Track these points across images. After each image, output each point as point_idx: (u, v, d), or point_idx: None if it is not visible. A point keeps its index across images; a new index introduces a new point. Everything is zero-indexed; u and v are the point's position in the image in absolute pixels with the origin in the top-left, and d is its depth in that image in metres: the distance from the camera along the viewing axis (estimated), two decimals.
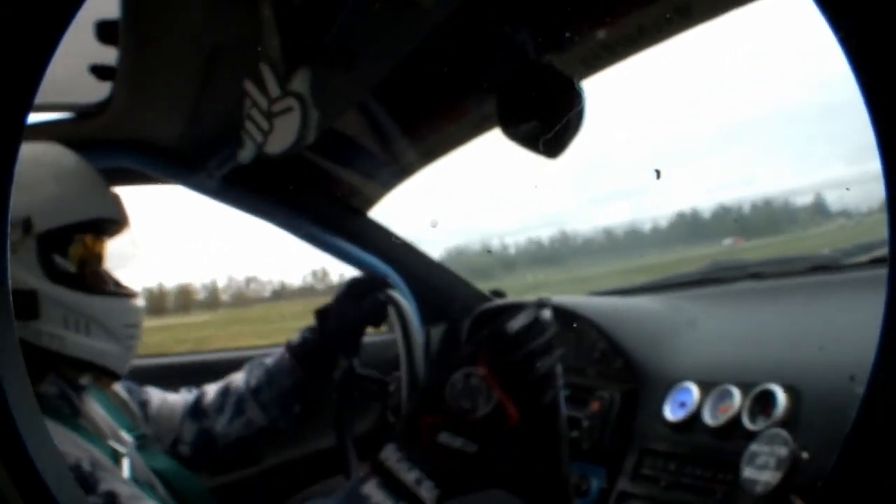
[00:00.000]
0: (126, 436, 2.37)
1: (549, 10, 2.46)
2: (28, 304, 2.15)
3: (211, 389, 2.85)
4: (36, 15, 0.98)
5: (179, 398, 2.83)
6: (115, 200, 2.37)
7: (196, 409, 2.79)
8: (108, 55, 2.49)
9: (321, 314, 2.83)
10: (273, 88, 2.38)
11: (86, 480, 1.96)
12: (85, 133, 2.95)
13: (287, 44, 2.34)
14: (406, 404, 2.48)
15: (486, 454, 1.89)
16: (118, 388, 2.59)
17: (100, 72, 2.65)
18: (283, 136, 2.44)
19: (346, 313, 2.79)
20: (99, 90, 2.79)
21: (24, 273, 2.15)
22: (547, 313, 2.90)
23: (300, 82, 2.35)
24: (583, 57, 2.60)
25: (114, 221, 2.35)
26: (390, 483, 1.88)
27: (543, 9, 2.45)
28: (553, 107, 2.44)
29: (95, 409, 2.34)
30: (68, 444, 2.03)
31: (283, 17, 2.32)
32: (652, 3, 2.38)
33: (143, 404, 2.70)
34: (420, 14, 2.31)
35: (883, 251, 2.72)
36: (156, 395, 2.77)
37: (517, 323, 2.05)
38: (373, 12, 2.28)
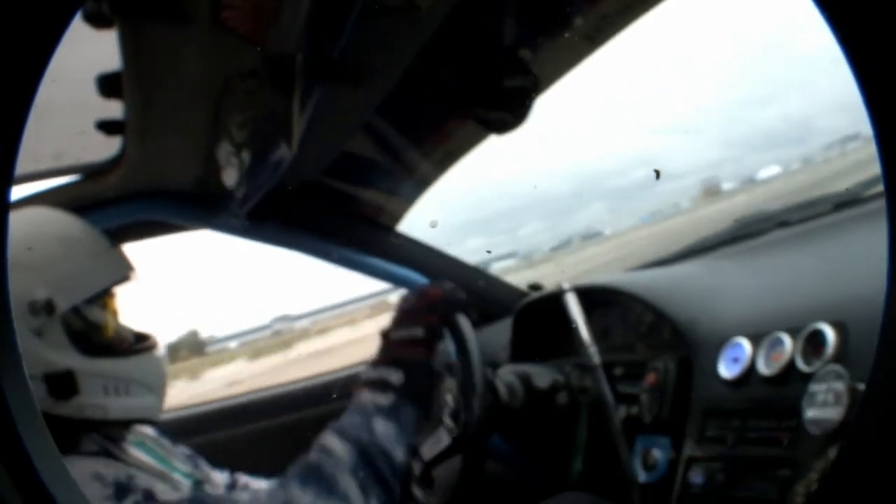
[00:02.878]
0: (179, 477, 2.37)
1: None
2: (67, 383, 2.15)
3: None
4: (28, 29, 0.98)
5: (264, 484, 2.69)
6: (123, 258, 2.39)
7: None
8: (114, 109, 2.51)
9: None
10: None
11: (122, 485, 2.00)
12: (99, 191, 2.97)
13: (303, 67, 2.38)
14: (471, 412, 2.51)
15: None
16: (155, 436, 2.57)
17: (108, 127, 2.67)
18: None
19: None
20: (108, 146, 2.81)
21: (55, 353, 2.14)
22: (571, 298, 2.94)
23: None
24: (586, 33, 2.62)
25: (124, 279, 2.38)
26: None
27: None
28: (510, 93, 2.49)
29: (141, 456, 2.34)
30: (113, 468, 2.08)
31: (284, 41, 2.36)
32: None
33: (190, 458, 2.64)
34: (419, 20, 2.33)
35: None
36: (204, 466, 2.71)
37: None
38: (374, 24, 2.31)
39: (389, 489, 2.27)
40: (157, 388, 2.36)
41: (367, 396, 2.35)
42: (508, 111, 2.87)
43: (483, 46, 2.70)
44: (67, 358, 2.16)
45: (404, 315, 2.52)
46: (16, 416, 1.04)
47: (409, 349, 2.44)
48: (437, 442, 2.61)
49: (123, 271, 2.37)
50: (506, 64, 2.72)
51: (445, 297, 2.59)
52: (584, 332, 3.02)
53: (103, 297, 2.31)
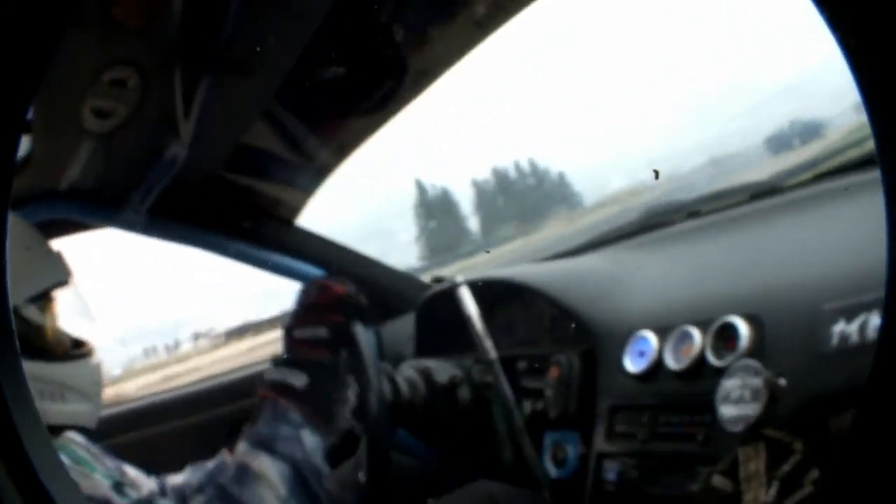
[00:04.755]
0: (102, 480, 2.29)
1: None
2: None
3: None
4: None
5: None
6: (63, 261, 2.34)
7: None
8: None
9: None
10: None
11: None
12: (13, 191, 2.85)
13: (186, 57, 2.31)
14: (369, 410, 2.49)
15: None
16: (83, 442, 2.52)
17: None
18: None
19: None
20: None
21: None
22: (465, 292, 2.92)
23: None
24: (476, 20, 2.60)
25: (63, 282, 2.30)
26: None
27: None
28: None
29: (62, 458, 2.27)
30: None
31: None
32: None
33: (121, 471, 2.60)
34: (306, 5, 2.30)
35: (827, 166, 2.72)
36: (129, 469, 2.68)
37: None
38: (258, 13, 2.26)
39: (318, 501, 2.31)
40: (93, 395, 2.33)
41: (283, 403, 2.35)
42: (377, 91, 2.85)
43: (364, 27, 2.65)
44: None
45: (306, 311, 2.51)
46: (16, 415, 1.06)
47: (312, 350, 2.43)
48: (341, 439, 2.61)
49: (64, 274, 2.33)
50: (380, 40, 2.68)
51: (347, 296, 2.55)
52: (478, 326, 3.00)
53: (43, 299, 2.25)
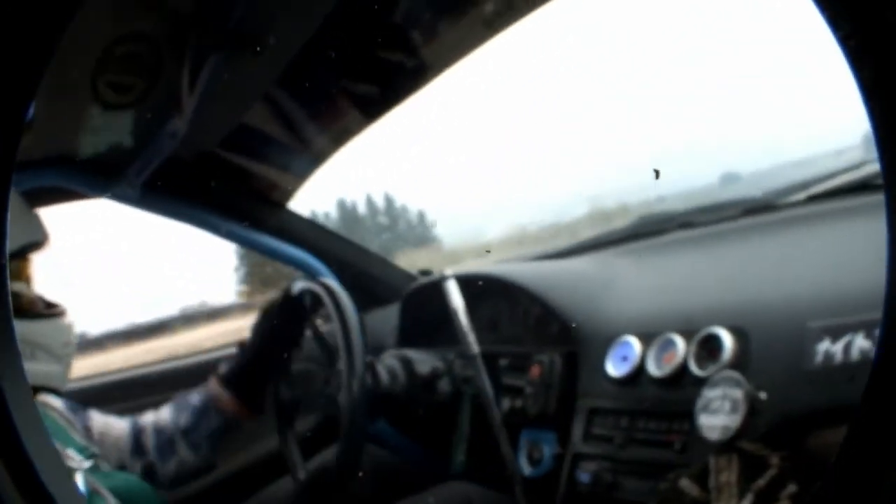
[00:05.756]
0: (75, 455, 2.30)
1: None
2: None
3: (148, 424, 2.79)
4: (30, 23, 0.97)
5: (121, 427, 2.75)
6: (40, 222, 2.33)
7: (137, 446, 2.74)
8: None
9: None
10: None
11: None
12: None
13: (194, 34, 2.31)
14: (349, 394, 2.50)
15: None
16: (62, 407, 2.52)
17: None
18: None
19: (276, 338, 2.90)
20: None
21: None
22: (452, 285, 2.94)
23: None
24: (485, 19, 2.60)
25: (39, 243, 2.30)
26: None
27: None
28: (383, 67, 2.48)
29: None
30: None
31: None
32: None
33: (87, 429, 2.62)
34: None
35: (821, 187, 2.73)
36: (98, 420, 2.69)
37: None
38: None
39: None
40: (63, 356, 2.33)
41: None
42: (376, 85, 2.85)
43: (375, 19, 2.66)
44: None
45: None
46: (16, 415, 1.04)
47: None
48: (315, 424, 2.64)
49: (40, 235, 2.33)
50: (386, 37, 2.69)
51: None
52: (463, 320, 2.99)
53: (18, 258, 2.27)
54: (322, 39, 2.55)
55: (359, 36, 2.65)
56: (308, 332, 2.91)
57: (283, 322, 2.88)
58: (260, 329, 2.92)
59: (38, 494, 1.04)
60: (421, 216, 5.98)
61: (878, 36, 0.82)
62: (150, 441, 2.73)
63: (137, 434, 2.75)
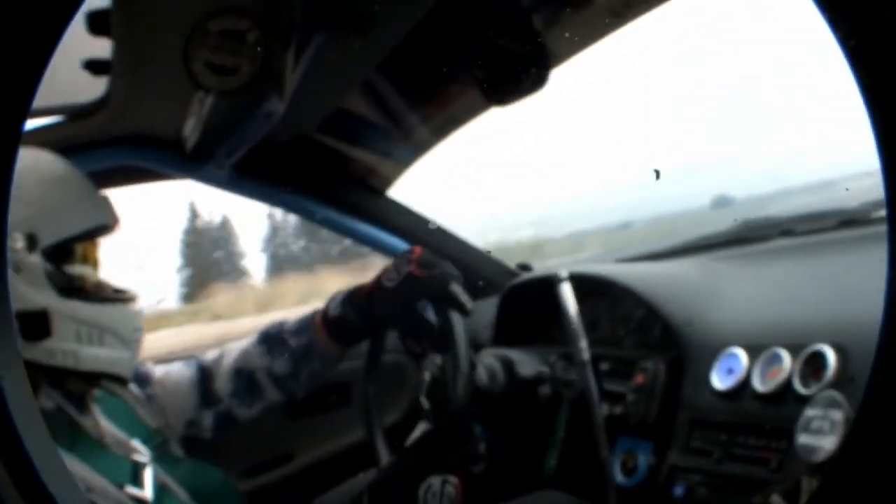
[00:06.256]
0: (141, 447, 2.29)
1: None
2: (39, 323, 2.08)
3: (221, 370, 2.68)
4: (33, 18, 0.99)
5: (183, 376, 2.67)
6: (107, 204, 2.32)
7: (207, 395, 2.65)
8: (102, 48, 2.39)
9: (367, 295, 2.63)
10: None
11: None
12: (83, 134, 2.89)
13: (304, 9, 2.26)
14: (452, 390, 2.40)
15: None
16: (137, 393, 2.49)
17: (95, 67, 2.56)
18: None
19: (402, 309, 2.56)
20: (94, 87, 2.71)
21: (32, 291, 2.08)
22: (566, 287, 2.82)
23: None
24: (612, 7, 2.53)
25: (107, 226, 2.28)
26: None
27: None
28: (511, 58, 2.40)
29: (102, 422, 2.26)
30: None
31: None
32: None
33: (151, 398, 2.58)
34: None
35: None
36: (157, 373, 2.66)
37: None
38: None
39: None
40: (132, 342, 2.29)
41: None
42: (506, 77, 2.77)
43: (496, 7, 2.59)
44: (43, 296, 2.09)
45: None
46: (16, 416, 1.05)
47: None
48: (413, 422, 2.56)
49: (108, 217, 2.30)
50: (512, 27, 2.61)
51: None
52: (577, 324, 2.87)
53: (86, 241, 2.25)
54: (433, 22, 2.49)
55: (477, 19, 2.57)
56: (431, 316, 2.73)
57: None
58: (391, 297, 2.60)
59: (38, 494, 1.06)
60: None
61: (879, 36, 0.84)
62: (224, 387, 2.65)
63: (205, 380, 2.67)
